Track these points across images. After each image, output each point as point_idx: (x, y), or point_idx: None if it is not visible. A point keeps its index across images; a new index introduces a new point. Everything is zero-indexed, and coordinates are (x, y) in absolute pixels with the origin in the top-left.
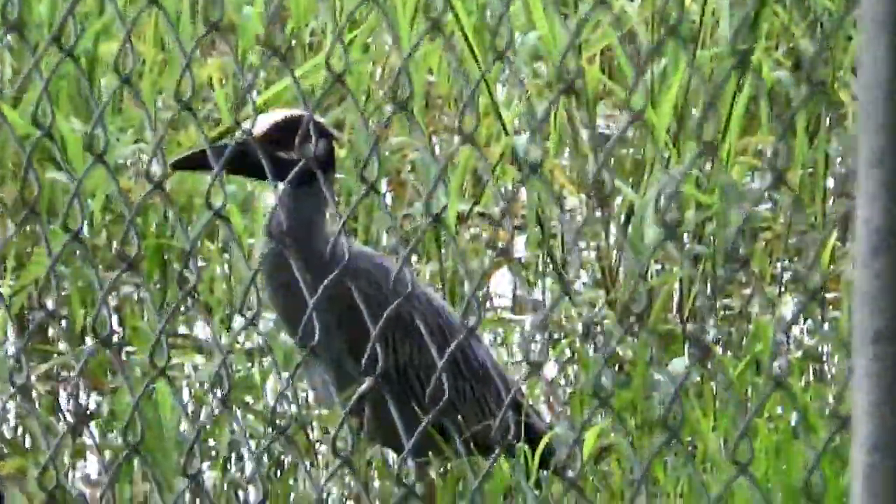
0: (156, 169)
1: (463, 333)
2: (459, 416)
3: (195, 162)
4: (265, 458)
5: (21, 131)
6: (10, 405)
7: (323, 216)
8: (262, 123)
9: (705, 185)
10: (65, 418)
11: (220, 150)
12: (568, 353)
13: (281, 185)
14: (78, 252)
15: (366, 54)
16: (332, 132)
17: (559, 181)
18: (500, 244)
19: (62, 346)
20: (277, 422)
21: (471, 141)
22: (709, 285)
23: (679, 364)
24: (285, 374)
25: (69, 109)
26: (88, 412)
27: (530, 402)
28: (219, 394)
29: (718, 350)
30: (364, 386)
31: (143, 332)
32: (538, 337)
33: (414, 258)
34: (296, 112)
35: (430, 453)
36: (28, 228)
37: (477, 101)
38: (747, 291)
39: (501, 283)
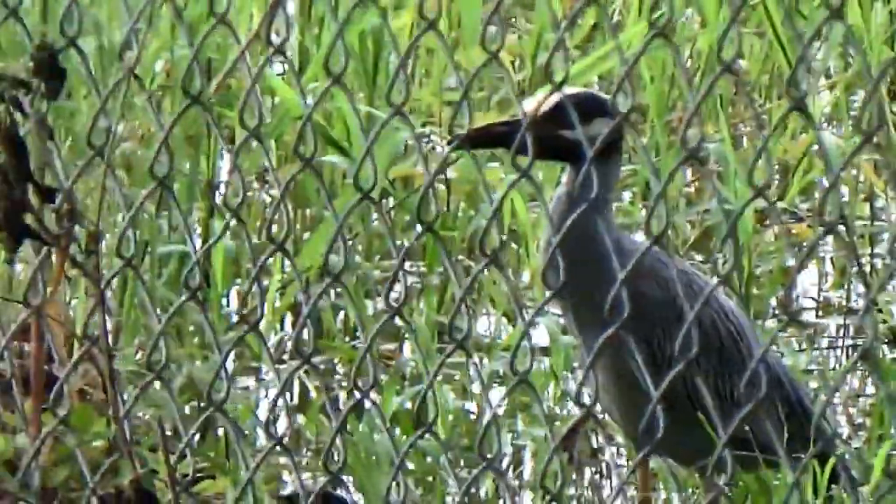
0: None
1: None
2: (747, 427)
3: (486, 139)
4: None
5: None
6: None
7: (607, 201)
8: (543, 103)
9: None
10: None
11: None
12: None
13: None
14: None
15: None
16: (617, 112)
17: (867, 177)
18: (804, 242)
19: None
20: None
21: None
22: None
23: None
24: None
25: (354, 85)
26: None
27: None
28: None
29: None
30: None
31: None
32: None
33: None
34: (578, 90)
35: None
36: (305, 213)
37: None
38: None
39: (804, 284)
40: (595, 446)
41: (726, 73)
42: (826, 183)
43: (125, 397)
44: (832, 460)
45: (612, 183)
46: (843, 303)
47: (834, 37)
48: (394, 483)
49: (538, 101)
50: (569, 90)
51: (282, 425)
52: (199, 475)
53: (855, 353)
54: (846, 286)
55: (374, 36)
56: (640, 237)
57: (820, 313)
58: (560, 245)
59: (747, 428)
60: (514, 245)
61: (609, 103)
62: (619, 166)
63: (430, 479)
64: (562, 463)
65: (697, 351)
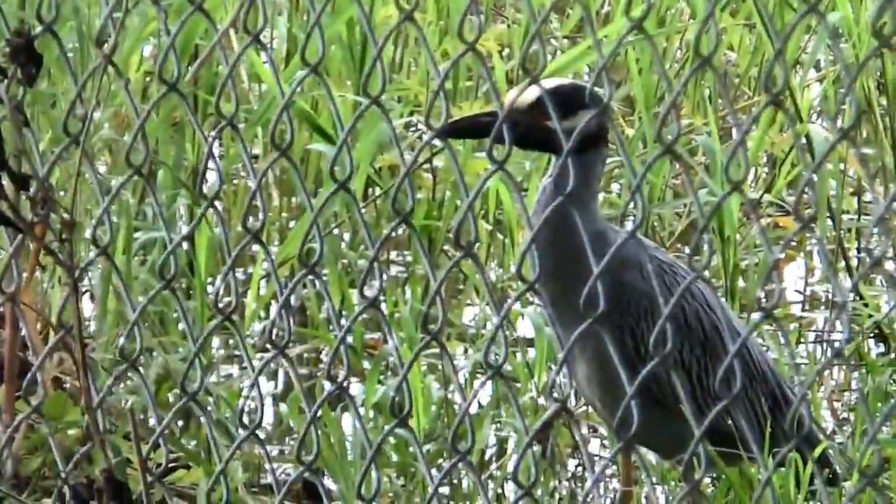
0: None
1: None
2: (729, 420)
3: (467, 129)
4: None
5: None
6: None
7: (591, 192)
8: (528, 93)
9: None
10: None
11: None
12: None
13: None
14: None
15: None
16: (606, 103)
17: (854, 170)
18: (789, 235)
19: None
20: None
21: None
22: None
23: None
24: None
25: (342, 74)
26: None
27: (808, 409)
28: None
29: None
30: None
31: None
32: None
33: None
34: (565, 81)
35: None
36: (290, 201)
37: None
38: None
39: (791, 278)
40: (578, 438)
41: (706, 66)
42: (812, 177)
43: (100, 385)
44: (812, 457)
45: (597, 174)
46: (830, 297)
47: (822, 29)
48: (370, 473)
49: (523, 92)
50: (556, 81)
51: (266, 415)
52: (174, 465)
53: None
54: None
55: (362, 24)
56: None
57: (807, 307)
58: (539, 238)
59: (729, 422)
60: (500, 235)
61: (591, 95)
62: (605, 158)
63: (413, 469)
64: (535, 457)
65: (671, 348)
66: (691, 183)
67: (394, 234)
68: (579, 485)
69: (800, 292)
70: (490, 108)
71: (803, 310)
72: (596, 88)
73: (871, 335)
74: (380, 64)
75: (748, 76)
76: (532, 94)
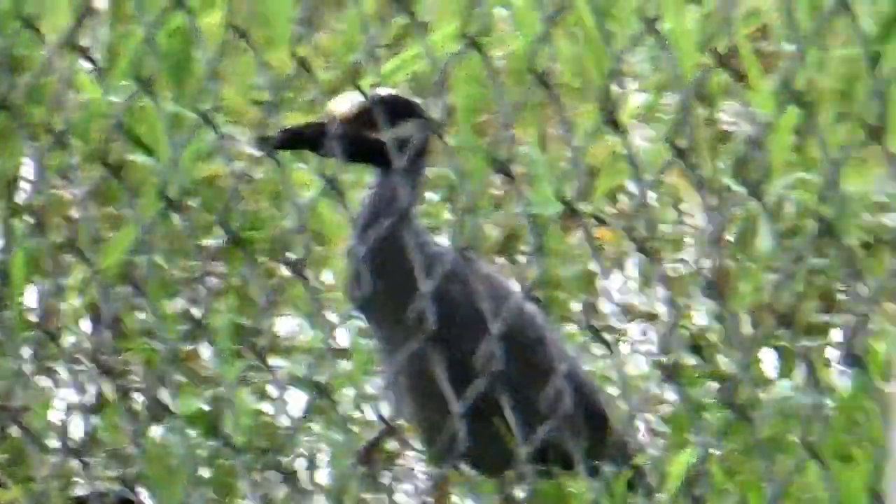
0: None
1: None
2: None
3: (294, 141)
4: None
5: (104, 108)
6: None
7: (411, 205)
8: (351, 103)
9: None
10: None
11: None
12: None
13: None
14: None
15: None
16: (426, 114)
17: (673, 181)
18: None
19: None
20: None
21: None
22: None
23: (786, 385)
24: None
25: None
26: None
27: (626, 422)
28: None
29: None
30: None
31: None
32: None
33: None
34: (387, 91)
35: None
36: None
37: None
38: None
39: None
40: (391, 450)
41: (538, 83)
42: (635, 188)
43: None
44: (627, 472)
45: (420, 185)
46: (645, 308)
47: (648, 40)
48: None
49: (346, 103)
50: (377, 91)
51: (77, 428)
52: None
53: (654, 359)
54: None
55: (183, 35)
56: (444, 240)
57: (625, 318)
58: (365, 253)
59: (550, 436)
60: (317, 246)
61: (416, 106)
62: (425, 170)
63: (230, 481)
64: (360, 478)
65: (500, 368)
66: (520, 194)
67: (209, 244)
68: (391, 500)
69: (617, 304)
70: (313, 119)
71: (618, 320)
72: (418, 99)
73: (688, 347)
74: (208, 75)
75: (572, 85)
76: (355, 104)
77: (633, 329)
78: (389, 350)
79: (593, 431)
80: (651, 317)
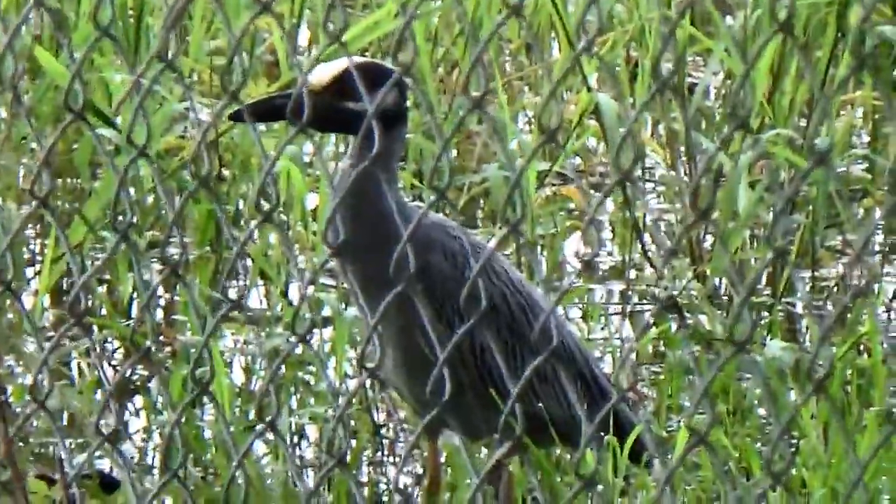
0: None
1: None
2: (539, 403)
3: (266, 111)
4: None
5: (60, 79)
6: None
7: (391, 172)
8: (324, 72)
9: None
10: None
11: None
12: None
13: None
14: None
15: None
16: (404, 81)
17: (640, 138)
18: (573, 204)
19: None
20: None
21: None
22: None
23: (775, 347)
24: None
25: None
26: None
27: (622, 392)
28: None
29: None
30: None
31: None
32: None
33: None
34: (361, 59)
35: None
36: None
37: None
38: (844, 262)
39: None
40: (378, 423)
41: (516, 17)
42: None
43: None
44: (633, 435)
45: (397, 152)
46: (619, 266)
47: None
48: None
49: (320, 71)
50: (352, 59)
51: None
52: None
53: (636, 319)
54: (626, 252)
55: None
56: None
57: (589, 276)
58: (343, 206)
59: (540, 405)
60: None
61: (392, 72)
62: (404, 136)
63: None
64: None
65: (486, 306)
66: (504, 147)
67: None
68: (378, 470)
69: (582, 262)
70: (284, 90)
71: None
72: (390, 64)
73: (669, 308)
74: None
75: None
76: (328, 72)
77: (599, 289)
78: (367, 301)
79: (588, 397)
80: (623, 276)
